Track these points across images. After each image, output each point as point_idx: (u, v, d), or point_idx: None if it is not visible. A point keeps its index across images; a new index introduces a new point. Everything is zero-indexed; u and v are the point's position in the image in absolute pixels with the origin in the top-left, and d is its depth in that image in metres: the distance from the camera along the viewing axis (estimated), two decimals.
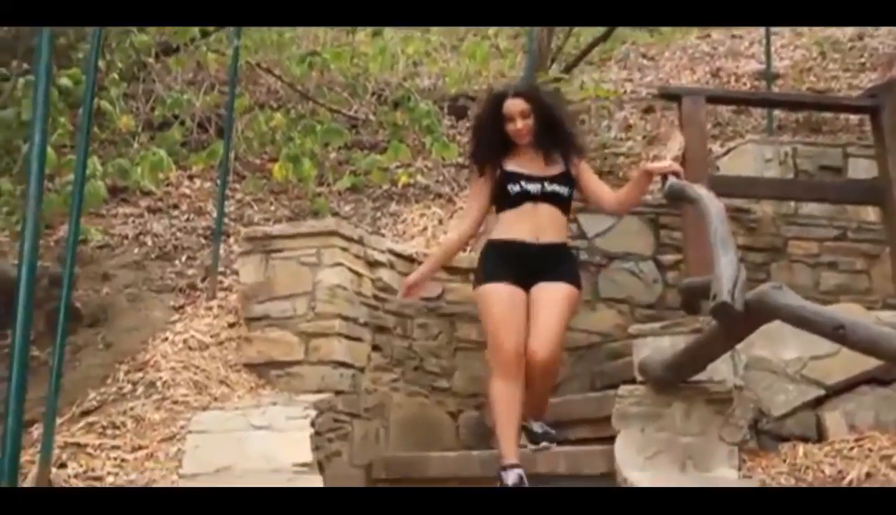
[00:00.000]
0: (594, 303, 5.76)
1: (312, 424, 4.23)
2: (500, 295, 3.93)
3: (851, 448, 4.07)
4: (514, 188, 4.01)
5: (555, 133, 4.08)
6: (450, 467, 4.72)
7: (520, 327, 3.90)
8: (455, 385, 5.42)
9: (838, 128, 7.34)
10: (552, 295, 3.95)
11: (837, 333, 2.94)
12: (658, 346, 4.31)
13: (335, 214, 6.38)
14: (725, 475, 4.08)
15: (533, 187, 4.01)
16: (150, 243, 5.93)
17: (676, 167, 4.03)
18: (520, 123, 4.01)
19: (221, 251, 5.74)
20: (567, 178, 4.09)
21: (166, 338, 4.92)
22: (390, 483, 4.82)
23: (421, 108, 7.34)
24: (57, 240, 5.70)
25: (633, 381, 4.29)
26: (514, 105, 4.03)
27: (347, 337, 4.83)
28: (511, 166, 4.07)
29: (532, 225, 3.99)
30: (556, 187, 4.04)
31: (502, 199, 4.06)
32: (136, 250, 5.84)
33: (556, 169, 4.08)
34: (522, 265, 3.97)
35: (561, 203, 4.06)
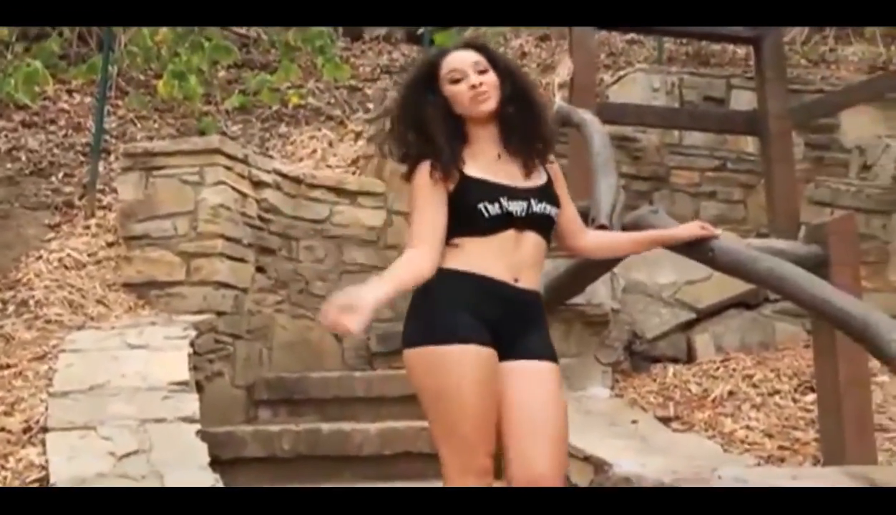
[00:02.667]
0: None
1: (192, 344, 4.18)
2: (472, 370, 2.37)
3: (717, 369, 4.27)
4: (492, 208, 2.45)
5: (528, 113, 2.54)
6: (332, 388, 4.75)
7: (493, 422, 2.41)
8: None
9: (726, 60, 7.49)
10: (546, 390, 2.44)
11: (707, 256, 3.03)
12: None
13: (223, 133, 6.23)
14: (598, 393, 4.22)
15: (516, 207, 2.48)
16: (24, 159, 5.69)
17: (699, 231, 2.79)
18: (474, 77, 2.48)
19: (102, 169, 5.57)
20: (553, 190, 2.58)
21: (40, 257, 4.77)
22: (272, 404, 4.83)
23: (314, 29, 7.19)
24: None
25: None
26: (461, 57, 2.52)
27: (230, 258, 4.76)
28: (475, 170, 2.49)
29: (510, 262, 2.47)
30: (545, 206, 2.53)
31: (465, 221, 2.47)
32: (8, 165, 5.60)
33: (540, 177, 2.56)
34: (497, 316, 2.44)
35: (547, 231, 2.56)
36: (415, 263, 2.42)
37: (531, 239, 2.49)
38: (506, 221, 2.46)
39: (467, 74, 2.48)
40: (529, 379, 2.42)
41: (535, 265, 2.52)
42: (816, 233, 3.56)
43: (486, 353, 2.39)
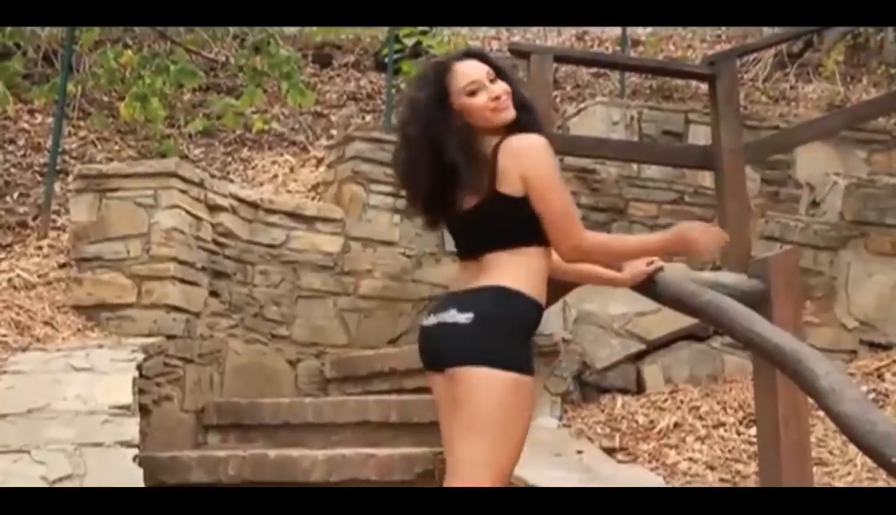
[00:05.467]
0: (439, 256, 5.82)
1: (139, 367, 4.14)
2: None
3: (665, 400, 4.29)
4: None
5: (533, 113, 2.48)
6: (283, 413, 4.72)
7: None
8: (295, 333, 5.39)
9: (688, 95, 7.58)
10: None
11: (650, 289, 3.05)
12: None
13: (184, 157, 6.22)
14: (546, 424, 4.22)
15: None
16: None
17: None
18: (492, 87, 2.39)
19: (59, 189, 5.55)
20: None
21: None
22: (222, 429, 4.80)
23: (281, 55, 7.22)
24: None
25: None
26: (474, 67, 2.41)
27: (183, 281, 4.74)
28: None
29: None
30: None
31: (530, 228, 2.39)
32: None
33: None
34: None
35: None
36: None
37: None
38: None
39: (485, 85, 2.37)
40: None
41: None
42: (759, 268, 3.58)
43: None
